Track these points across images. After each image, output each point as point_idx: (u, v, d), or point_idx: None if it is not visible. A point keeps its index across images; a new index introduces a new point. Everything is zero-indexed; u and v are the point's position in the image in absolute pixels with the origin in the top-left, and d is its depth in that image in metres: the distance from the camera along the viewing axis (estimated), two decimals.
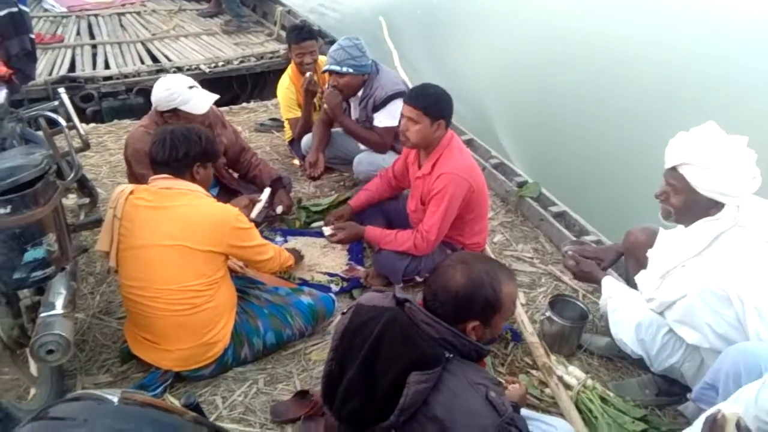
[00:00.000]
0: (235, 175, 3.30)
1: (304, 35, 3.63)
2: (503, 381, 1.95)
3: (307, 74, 3.54)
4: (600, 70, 5.49)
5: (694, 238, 2.07)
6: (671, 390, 2.32)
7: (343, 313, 1.64)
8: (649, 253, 2.29)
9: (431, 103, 2.56)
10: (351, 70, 3.20)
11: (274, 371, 2.39)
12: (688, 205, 2.06)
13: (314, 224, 3.26)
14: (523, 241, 3.36)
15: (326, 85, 3.44)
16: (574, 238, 3.12)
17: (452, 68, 6.04)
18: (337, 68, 3.20)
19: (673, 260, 2.12)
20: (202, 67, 5.42)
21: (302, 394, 2.19)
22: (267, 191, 2.97)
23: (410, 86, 4.62)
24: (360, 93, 3.33)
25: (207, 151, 2.24)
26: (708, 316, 2.01)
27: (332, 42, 4.43)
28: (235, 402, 2.24)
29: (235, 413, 2.20)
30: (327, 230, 2.92)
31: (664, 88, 4.87)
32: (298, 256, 2.86)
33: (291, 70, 3.78)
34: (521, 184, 3.70)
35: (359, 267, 2.99)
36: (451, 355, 1.44)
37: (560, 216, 3.45)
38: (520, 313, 2.69)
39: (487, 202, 2.93)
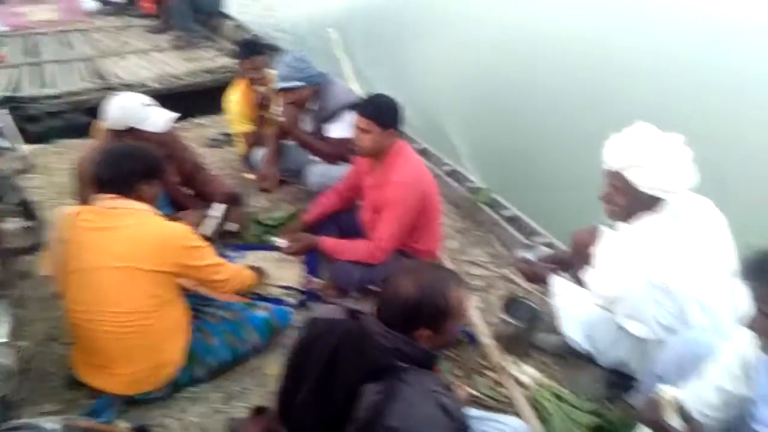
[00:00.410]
0: (188, 192, 3.26)
1: (253, 50, 3.64)
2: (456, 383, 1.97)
3: (260, 89, 3.55)
4: (550, 74, 5.63)
5: (637, 234, 2.15)
6: (621, 382, 2.39)
7: (286, 328, 1.64)
8: (595, 250, 2.36)
9: (381, 112, 2.60)
10: (303, 83, 3.23)
11: (230, 389, 2.36)
12: (631, 203, 2.14)
13: (269, 238, 3.24)
14: (477, 245, 3.41)
15: (279, 102, 3.46)
16: (526, 242, 3.19)
17: (405, 77, 6.11)
18: (288, 85, 3.21)
19: (618, 257, 2.20)
20: (152, 83, 5.34)
21: (259, 411, 2.15)
22: (220, 207, 2.94)
23: (362, 97, 4.68)
24: (312, 105, 3.35)
25: (152, 168, 2.21)
26: (653, 310, 2.09)
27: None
28: (190, 423, 2.20)
29: None
30: (281, 242, 2.92)
31: (615, 89, 5.03)
32: (261, 273, 2.82)
33: (240, 83, 3.76)
34: (474, 190, 3.76)
35: (315, 279, 2.98)
36: (406, 365, 1.46)
37: (512, 220, 3.52)
38: (475, 317, 2.73)
39: (439, 208, 2.97)
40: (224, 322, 2.36)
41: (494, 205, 3.66)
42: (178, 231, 2.13)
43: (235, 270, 2.39)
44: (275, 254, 3.07)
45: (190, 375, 2.27)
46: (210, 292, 2.44)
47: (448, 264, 3.11)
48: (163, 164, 2.34)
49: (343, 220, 3.16)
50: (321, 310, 1.69)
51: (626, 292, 2.10)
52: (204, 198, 3.21)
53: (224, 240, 3.17)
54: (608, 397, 2.42)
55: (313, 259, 3.09)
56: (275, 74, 3.31)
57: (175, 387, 2.27)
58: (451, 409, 1.40)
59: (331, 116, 3.26)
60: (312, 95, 3.29)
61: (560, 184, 3.69)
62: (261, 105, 3.60)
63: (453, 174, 4.01)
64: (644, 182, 2.04)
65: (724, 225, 2.14)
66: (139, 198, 2.16)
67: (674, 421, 1.43)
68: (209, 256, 2.24)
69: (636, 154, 2.03)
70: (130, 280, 2.01)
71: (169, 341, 2.13)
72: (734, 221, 2.12)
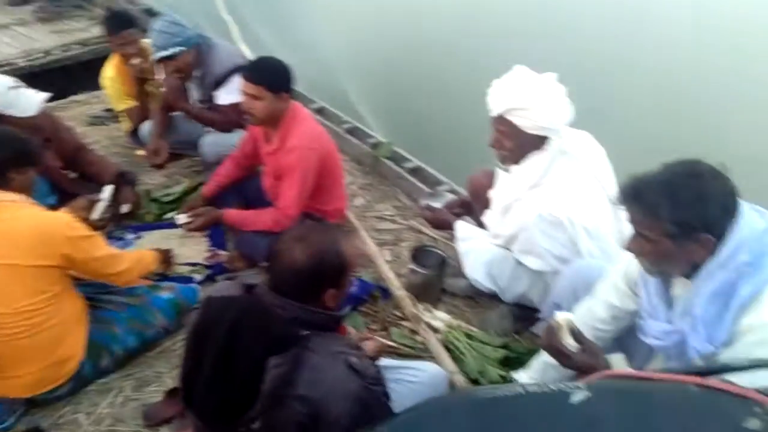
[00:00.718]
0: (73, 176, 3.05)
1: (121, 24, 3.34)
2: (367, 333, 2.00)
3: (134, 62, 3.32)
4: (447, 27, 5.63)
5: (527, 173, 2.24)
6: (526, 315, 2.53)
7: (194, 306, 1.60)
8: (491, 193, 2.45)
9: (270, 76, 2.51)
10: (181, 48, 3.03)
11: (141, 374, 2.29)
12: (518, 145, 2.21)
13: (168, 215, 3.11)
14: (383, 200, 3.44)
15: (160, 73, 3.25)
16: (430, 191, 3.25)
17: (298, 35, 5.92)
18: (167, 53, 3.01)
19: (511, 196, 2.29)
20: (17, 61, 4.87)
21: (173, 393, 2.12)
22: (108, 188, 2.77)
23: (252, 59, 4.50)
24: (196, 72, 3.18)
25: (22, 155, 2.04)
26: (546, 243, 2.20)
27: None
28: (101, 415, 2.12)
29: (102, 427, 2.09)
30: (181, 218, 2.80)
31: (509, 40, 5.12)
32: (165, 254, 2.69)
33: (114, 59, 3.50)
34: (375, 146, 3.77)
35: (221, 252, 2.91)
36: (308, 332, 1.45)
37: (415, 171, 3.57)
38: (386, 270, 2.78)
39: (340, 167, 2.95)
40: (127, 308, 2.26)
41: (397, 158, 3.69)
42: (59, 221, 1.99)
43: (133, 258, 2.27)
44: (177, 231, 2.95)
45: (96, 367, 2.17)
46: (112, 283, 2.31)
47: (356, 221, 3.12)
48: (35, 150, 2.16)
49: (247, 188, 3.08)
50: (216, 288, 1.64)
51: (520, 229, 2.19)
52: (91, 180, 3.01)
53: (119, 223, 3.01)
54: (516, 330, 2.56)
55: (217, 232, 3.00)
56: (150, 43, 3.08)
57: (82, 381, 2.17)
58: (360, 367, 1.42)
59: (217, 82, 3.11)
60: (194, 61, 3.11)
61: (459, 134, 3.76)
62: (139, 79, 3.38)
63: (353, 131, 3.98)
64: (528, 123, 2.11)
65: (604, 155, 2.27)
66: (12, 188, 1.99)
67: (569, 342, 1.53)
68: (99, 247, 2.10)
69: (516, 97, 2.09)
70: (9, 278, 1.87)
71: (65, 336, 2.02)
72: None
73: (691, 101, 4.29)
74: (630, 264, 1.81)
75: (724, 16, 4.94)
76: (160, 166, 3.39)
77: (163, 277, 2.69)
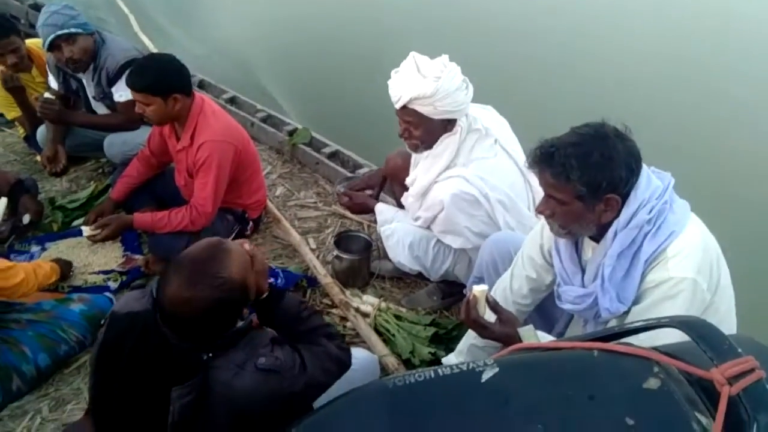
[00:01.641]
0: None
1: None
2: None
3: (1, 69, 3.08)
4: (356, 8, 5.60)
5: (441, 155, 2.25)
6: (453, 291, 2.57)
7: (101, 325, 1.50)
8: (408, 178, 2.44)
9: (153, 81, 2.37)
10: (80, 30, 2.79)
11: (58, 393, 2.16)
12: (427, 132, 2.21)
13: (75, 222, 2.93)
14: (304, 187, 3.39)
15: (40, 96, 3.04)
16: (348, 174, 3.22)
17: (205, 26, 5.71)
18: (65, 31, 2.76)
19: (427, 179, 2.29)
20: None
21: None
22: (2, 201, 2.57)
23: (153, 51, 4.30)
24: (89, 69, 2.98)
25: None
26: (464, 221, 2.23)
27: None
28: None
29: None
30: (86, 230, 2.62)
31: (413, 21, 5.15)
32: (64, 265, 2.54)
33: None
34: (292, 132, 3.69)
35: (136, 256, 2.78)
36: (210, 354, 1.38)
37: (334, 156, 3.53)
38: (312, 258, 2.75)
39: (257, 158, 2.87)
40: (33, 325, 2.12)
41: (315, 144, 3.64)
42: None
43: (29, 269, 2.13)
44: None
45: (6, 391, 2.03)
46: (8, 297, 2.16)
47: (276, 212, 3.06)
48: None
49: (158, 187, 2.94)
50: (122, 301, 1.53)
51: (438, 210, 2.21)
52: None
53: (21, 235, 2.81)
54: (444, 307, 2.61)
55: (130, 235, 2.86)
56: (40, 27, 2.81)
57: None
58: (272, 364, 1.37)
59: (112, 78, 2.93)
60: (90, 51, 2.90)
61: (376, 116, 3.75)
62: (14, 89, 3.14)
63: (268, 119, 3.89)
64: (432, 109, 2.11)
65: (508, 126, 2.33)
66: None
67: (487, 314, 1.56)
68: None
69: (416, 86, 2.08)
70: None
71: None
72: None
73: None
74: (543, 235, 1.86)
75: None
76: (58, 174, 3.17)
77: (76, 288, 2.55)
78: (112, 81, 2.91)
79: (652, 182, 1.55)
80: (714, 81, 4.68)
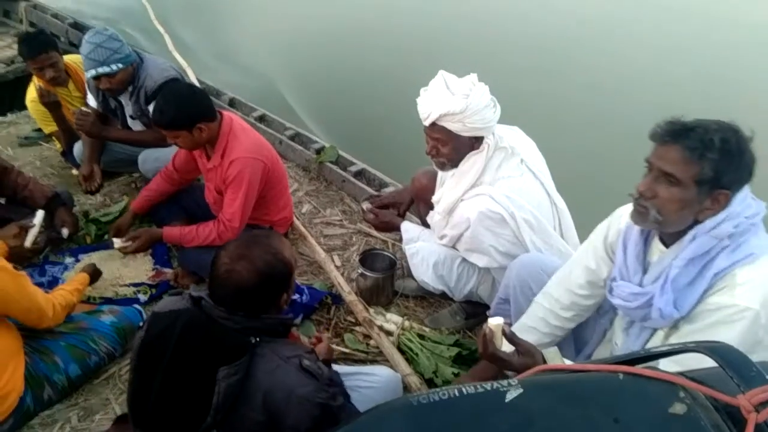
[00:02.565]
0: (2, 201, 2.91)
1: (36, 48, 3.19)
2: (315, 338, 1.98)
3: (36, 87, 3.20)
4: (383, 29, 5.69)
5: (467, 172, 2.27)
6: (476, 311, 2.57)
7: (140, 327, 1.56)
8: (434, 196, 2.46)
9: (174, 118, 2.43)
10: (120, 65, 2.91)
11: (87, 403, 2.21)
12: (455, 150, 2.23)
13: (108, 236, 3.01)
14: (330, 205, 3.43)
15: (77, 109, 3.15)
16: (373, 192, 3.25)
17: (233, 44, 5.84)
18: (108, 69, 2.87)
19: (453, 197, 2.31)
20: None
21: (122, 419, 2.04)
22: (40, 213, 2.65)
23: (187, 70, 4.43)
24: (129, 88, 3.08)
25: None
26: (490, 239, 2.23)
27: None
28: None
29: None
30: (117, 242, 2.70)
31: (442, 43, 5.22)
32: (93, 272, 2.58)
33: (36, 80, 3.36)
34: (319, 151, 3.75)
35: (166, 269, 2.84)
36: (257, 339, 1.44)
37: (360, 174, 3.57)
38: (336, 276, 2.77)
39: (285, 175, 2.93)
40: (66, 336, 2.17)
41: (342, 162, 3.69)
42: None
43: (56, 303, 2.11)
44: (118, 252, 2.86)
45: (38, 399, 2.08)
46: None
47: (303, 229, 3.10)
48: None
49: (188, 202, 3.01)
50: (161, 303, 1.61)
51: (464, 228, 2.22)
52: (24, 204, 2.88)
53: (55, 247, 2.89)
54: (468, 327, 2.60)
55: (160, 249, 2.93)
56: (84, 56, 2.94)
57: (25, 416, 2.07)
58: (314, 369, 1.42)
59: (150, 96, 3.02)
60: (129, 77, 3.01)
61: (402, 135, 3.79)
62: (51, 104, 3.24)
63: (296, 137, 3.96)
64: (461, 127, 2.13)
65: (535, 147, 2.33)
66: None
67: (505, 346, 1.54)
68: (25, 292, 1.94)
69: (445, 103, 2.10)
70: None
71: (1, 371, 1.92)
72: None
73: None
74: (611, 227, 1.81)
75: None
76: (95, 191, 3.25)
77: (107, 300, 2.61)
78: (150, 99, 3.01)
79: (747, 201, 1.51)
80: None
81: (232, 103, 4.32)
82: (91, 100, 3.24)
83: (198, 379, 1.40)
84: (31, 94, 3.39)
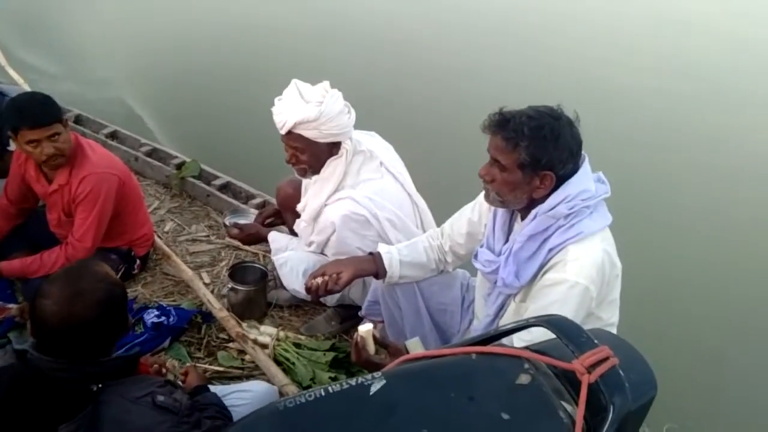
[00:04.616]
0: None
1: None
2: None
3: None
4: (236, 40, 5.58)
5: (329, 178, 2.30)
6: (350, 314, 2.60)
7: None
8: (299, 204, 2.47)
9: (51, 107, 2.30)
10: None
11: None
12: (314, 156, 2.26)
13: None
14: (195, 221, 3.30)
15: None
16: (233, 208, 3.14)
17: (73, 56, 5.42)
18: None
19: (318, 203, 2.33)
20: None
21: None
22: None
23: (24, 86, 4.05)
24: None
25: None
26: (356, 241, 2.28)
27: None
28: None
29: None
30: None
31: (302, 51, 5.23)
32: None
33: None
34: (179, 166, 3.60)
35: (10, 305, 2.56)
36: (99, 386, 1.33)
37: (225, 187, 3.47)
38: (205, 293, 2.68)
39: (139, 190, 2.78)
40: None
41: (205, 176, 3.56)
42: None
43: None
44: None
45: None
46: None
47: (165, 247, 2.95)
48: None
49: (32, 231, 2.74)
50: None
51: (330, 233, 2.25)
52: None
53: None
54: (343, 331, 2.63)
55: (1, 284, 2.64)
56: None
57: None
58: (171, 404, 1.34)
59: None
60: None
61: (266, 146, 3.75)
62: None
63: (154, 153, 3.75)
64: (318, 134, 2.17)
65: (392, 150, 2.43)
66: None
67: (374, 351, 1.60)
68: None
69: (300, 111, 2.13)
70: None
71: None
72: None
73: None
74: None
75: None
76: None
77: None
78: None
79: (586, 184, 1.67)
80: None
81: (78, 120, 4.01)
82: None
83: None
84: None
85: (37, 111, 2.29)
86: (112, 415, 1.30)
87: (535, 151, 1.60)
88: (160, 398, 1.34)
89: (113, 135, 3.89)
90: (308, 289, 2.06)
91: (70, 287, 1.35)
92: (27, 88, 4.05)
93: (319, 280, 1.99)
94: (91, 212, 2.41)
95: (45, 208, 2.68)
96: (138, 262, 2.82)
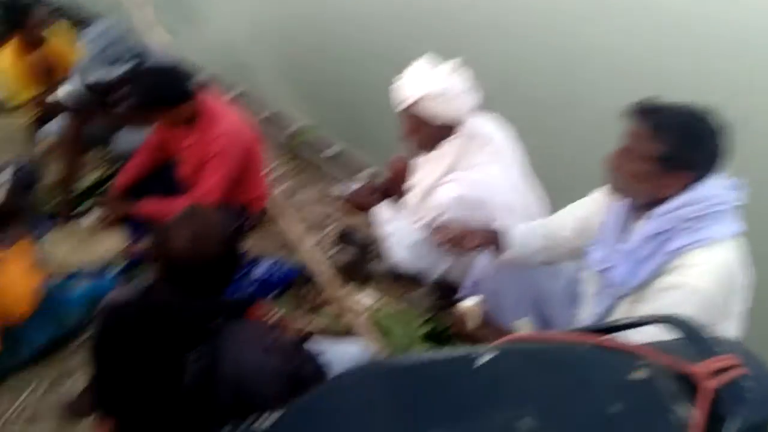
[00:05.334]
0: None
1: (20, 14, 3.08)
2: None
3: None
4: (369, 8, 5.63)
5: (443, 157, 2.30)
6: (450, 292, 2.61)
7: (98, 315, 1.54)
8: (411, 180, 2.49)
9: (142, 101, 2.47)
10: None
11: (60, 368, 2.23)
12: (430, 135, 2.26)
13: (79, 208, 2.97)
14: (307, 185, 3.44)
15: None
16: (351, 176, 3.24)
17: (203, 25, 5.73)
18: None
19: (430, 180, 2.34)
20: None
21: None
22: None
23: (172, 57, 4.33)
24: None
25: None
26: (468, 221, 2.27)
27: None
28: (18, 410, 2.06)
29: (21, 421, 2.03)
30: (87, 220, 2.67)
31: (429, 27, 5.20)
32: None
33: (8, 47, 3.23)
34: (296, 131, 3.74)
35: (139, 244, 2.82)
36: (218, 322, 1.44)
37: (338, 155, 3.57)
38: (311, 254, 2.79)
39: (262, 157, 2.92)
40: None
41: (320, 143, 3.68)
42: None
43: (21, 291, 2.07)
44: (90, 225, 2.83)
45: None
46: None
47: (278, 208, 3.10)
48: None
49: (167, 179, 2.97)
50: (111, 296, 1.56)
51: (441, 212, 2.25)
52: None
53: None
54: (440, 307, 2.65)
55: (135, 223, 2.90)
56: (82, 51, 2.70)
57: None
58: (278, 348, 1.43)
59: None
60: None
61: (384, 118, 3.81)
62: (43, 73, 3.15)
63: (274, 116, 3.93)
64: (436, 113, 2.16)
65: (513, 134, 2.37)
66: None
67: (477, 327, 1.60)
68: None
69: (425, 86, 2.12)
70: None
71: None
72: None
73: None
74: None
75: None
76: None
77: (77, 273, 2.58)
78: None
79: (716, 187, 1.57)
80: None
81: (207, 82, 4.25)
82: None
83: (163, 367, 1.41)
84: (4, 61, 3.28)
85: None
86: (229, 349, 1.40)
87: (676, 147, 1.52)
88: (270, 342, 1.43)
89: (238, 97, 4.10)
90: (437, 233, 2.07)
91: (196, 228, 1.46)
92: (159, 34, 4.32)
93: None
94: (219, 169, 2.57)
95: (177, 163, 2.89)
96: (250, 219, 2.98)
